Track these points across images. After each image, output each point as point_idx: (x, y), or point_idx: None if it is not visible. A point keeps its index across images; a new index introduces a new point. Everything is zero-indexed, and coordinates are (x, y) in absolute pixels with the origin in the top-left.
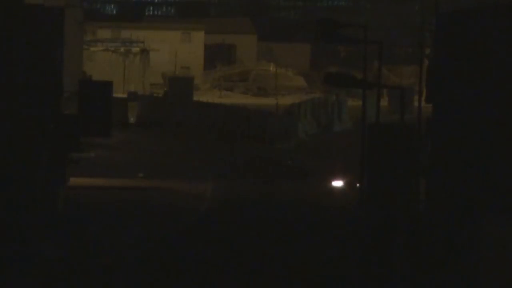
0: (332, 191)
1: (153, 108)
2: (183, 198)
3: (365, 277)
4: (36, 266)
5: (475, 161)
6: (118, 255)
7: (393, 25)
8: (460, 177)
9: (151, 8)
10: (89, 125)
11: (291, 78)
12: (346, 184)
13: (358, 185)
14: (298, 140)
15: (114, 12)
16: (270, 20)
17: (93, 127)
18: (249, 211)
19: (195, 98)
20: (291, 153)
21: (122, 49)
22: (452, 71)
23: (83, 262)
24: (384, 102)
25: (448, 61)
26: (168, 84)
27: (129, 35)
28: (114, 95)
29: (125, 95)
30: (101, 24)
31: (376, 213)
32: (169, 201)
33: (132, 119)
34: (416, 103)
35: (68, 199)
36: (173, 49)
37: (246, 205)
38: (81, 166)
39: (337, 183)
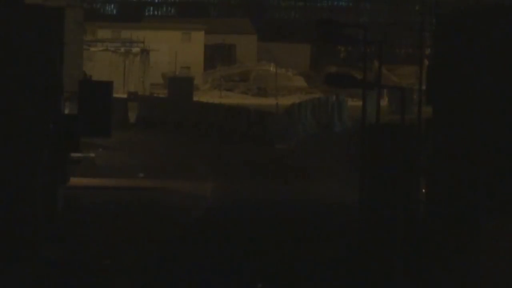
0: (331, 191)
1: (153, 108)
2: (183, 198)
3: (364, 277)
4: (36, 266)
5: (475, 160)
6: (118, 255)
7: (393, 25)
8: (460, 177)
9: (151, 8)
10: (89, 125)
11: (291, 78)
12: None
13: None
14: (298, 140)
15: (114, 12)
16: (270, 20)
17: (93, 127)
18: (249, 211)
19: (195, 98)
20: (291, 153)
21: (122, 49)
22: (452, 71)
23: (83, 262)
24: (384, 102)
25: (448, 61)
26: (168, 85)
27: (129, 35)
28: (114, 95)
29: (125, 95)
30: (101, 24)
31: (375, 212)
32: (169, 201)
33: (132, 119)
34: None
35: (68, 199)
36: (173, 49)
37: (246, 205)
38: (81, 166)
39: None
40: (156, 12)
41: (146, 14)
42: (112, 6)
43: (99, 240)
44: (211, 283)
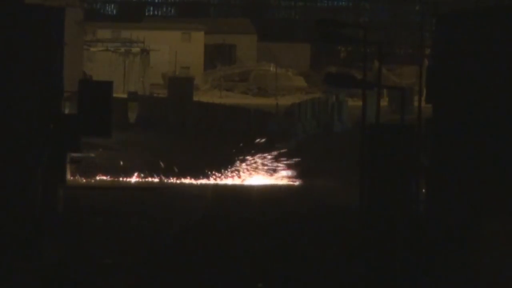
0: (332, 191)
1: (153, 108)
2: (183, 198)
3: (365, 277)
4: (36, 266)
5: (475, 161)
6: (119, 255)
7: (393, 25)
8: (460, 177)
9: (151, 8)
10: (89, 125)
11: (291, 78)
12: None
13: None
14: (298, 140)
15: (114, 12)
16: (270, 20)
17: (93, 127)
18: (249, 210)
19: (195, 98)
20: (291, 153)
21: (122, 49)
22: (452, 71)
23: (84, 262)
24: (384, 102)
25: (448, 61)
26: (168, 85)
27: (129, 35)
28: (114, 95)
29: (125, 95)
30: (101, 24)
31: (375, 213)
32: (169, 201)
33: (132, 119)
34: (416, 103)
35: (68, 199)
36: (173, 49)
37: (246, 205)
38: (81, 166)
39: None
40: (156, 12)
41: (146, 14)
42: (112, 6)
43: (99, 240)
44: (211, 283)
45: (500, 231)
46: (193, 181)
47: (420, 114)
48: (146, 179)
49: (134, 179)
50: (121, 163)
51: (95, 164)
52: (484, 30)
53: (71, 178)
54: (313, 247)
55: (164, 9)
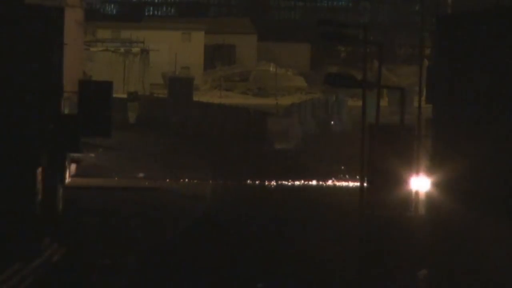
0: (331, 191)
1: (153, 108)
2: (182, 198)
3: (364, 277)
4: (36, 266)
5: (475, 160)
6: (118, 255)
7: (393, 25)
8: (460, 177)
9: (151, 8)
10: (89, 125)
11: (291, 78)
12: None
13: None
14: (298, 140)
15: (114, 12)
16: (270, 20)
17: (93, 127)
18: (248, 211)
19: (195, 98)
20: (291, 153)
21: (122, 49)
22: (452, 72)
23: (83, 262)
24: (384, 102)
25: (448, 62)
26: (168, 85)
27: (129, 35)
28: (114, 95)
29: (125, 95)
30: (101, 24)
31: (375, 213)
32: (169, 201)
33: (132, 120)
34: (416, 103)
35: (68, 199)
36: (173, 49)
37: (245, 206)
38: (81, 166)
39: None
40: (156, 12)
41: (146, 14)
42: (112, 6)
43: (99, 240)
44: (211, 283)
45: (500, 230)
46: (191, 181)
47: (420, 114)
48: (145, 179)
49: (133, 179)
50: (121, 163)
51: (95, 164)
52: (484, 31)
53: (71, 178)
54: (313, 246)
55: (164, 9)
